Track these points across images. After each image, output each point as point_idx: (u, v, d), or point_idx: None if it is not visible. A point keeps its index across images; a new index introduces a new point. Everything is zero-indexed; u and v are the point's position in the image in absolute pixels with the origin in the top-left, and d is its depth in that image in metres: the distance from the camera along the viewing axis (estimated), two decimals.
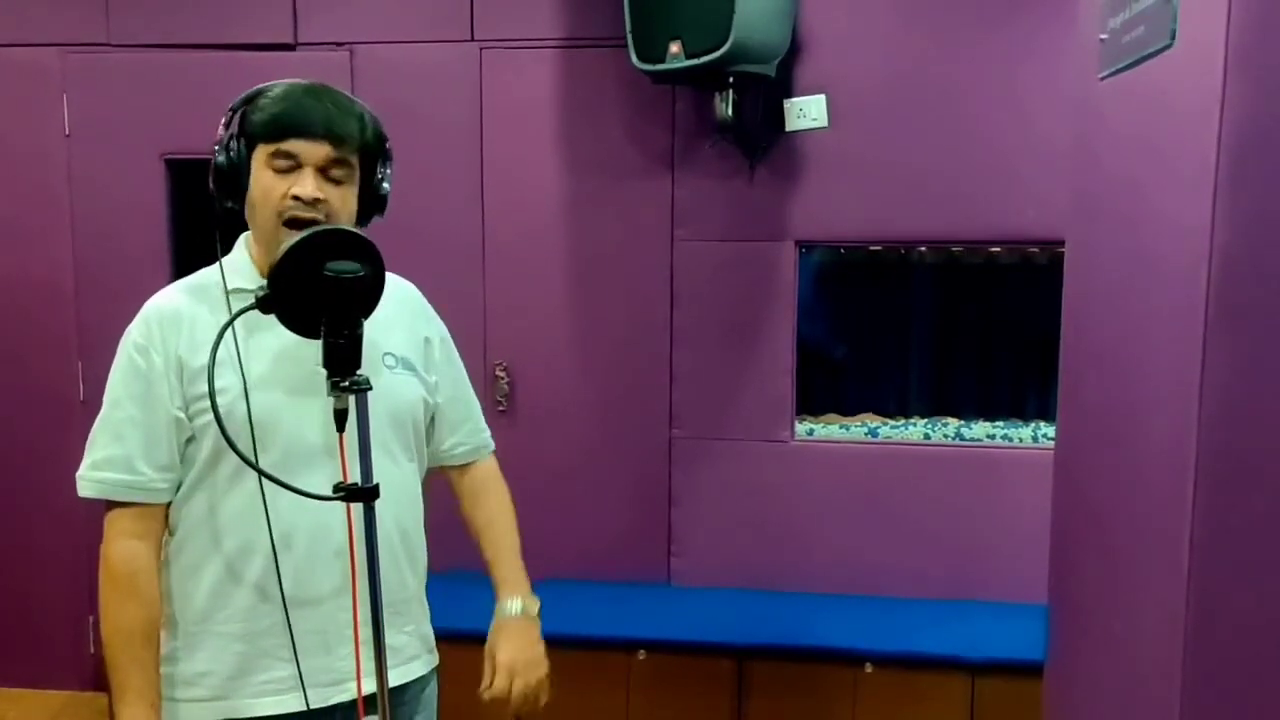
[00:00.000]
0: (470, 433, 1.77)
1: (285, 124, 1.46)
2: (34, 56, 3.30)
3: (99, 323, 3.17)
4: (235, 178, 1.48)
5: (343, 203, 1.50)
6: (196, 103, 3.24)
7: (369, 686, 1.45)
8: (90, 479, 1.51)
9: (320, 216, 1.46)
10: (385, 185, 1.57)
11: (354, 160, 1.51)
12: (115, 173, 3.29)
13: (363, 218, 1.56)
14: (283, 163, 1.47)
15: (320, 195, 1.46)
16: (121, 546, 1.50)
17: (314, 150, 1.47)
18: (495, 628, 1.69)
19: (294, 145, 1.46)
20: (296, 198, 1.46)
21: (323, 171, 1.48)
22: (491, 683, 1.63)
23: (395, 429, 1.58)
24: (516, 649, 1.65)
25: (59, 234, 3.34)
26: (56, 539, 3.33)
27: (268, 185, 1.47)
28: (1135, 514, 1.37)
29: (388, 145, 1.58)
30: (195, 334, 1.49)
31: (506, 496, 1.80)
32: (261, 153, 1.48)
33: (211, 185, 1.49)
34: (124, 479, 1.49)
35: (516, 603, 1.69)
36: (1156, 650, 1.26)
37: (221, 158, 1.47)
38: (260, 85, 1.52)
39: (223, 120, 1.50)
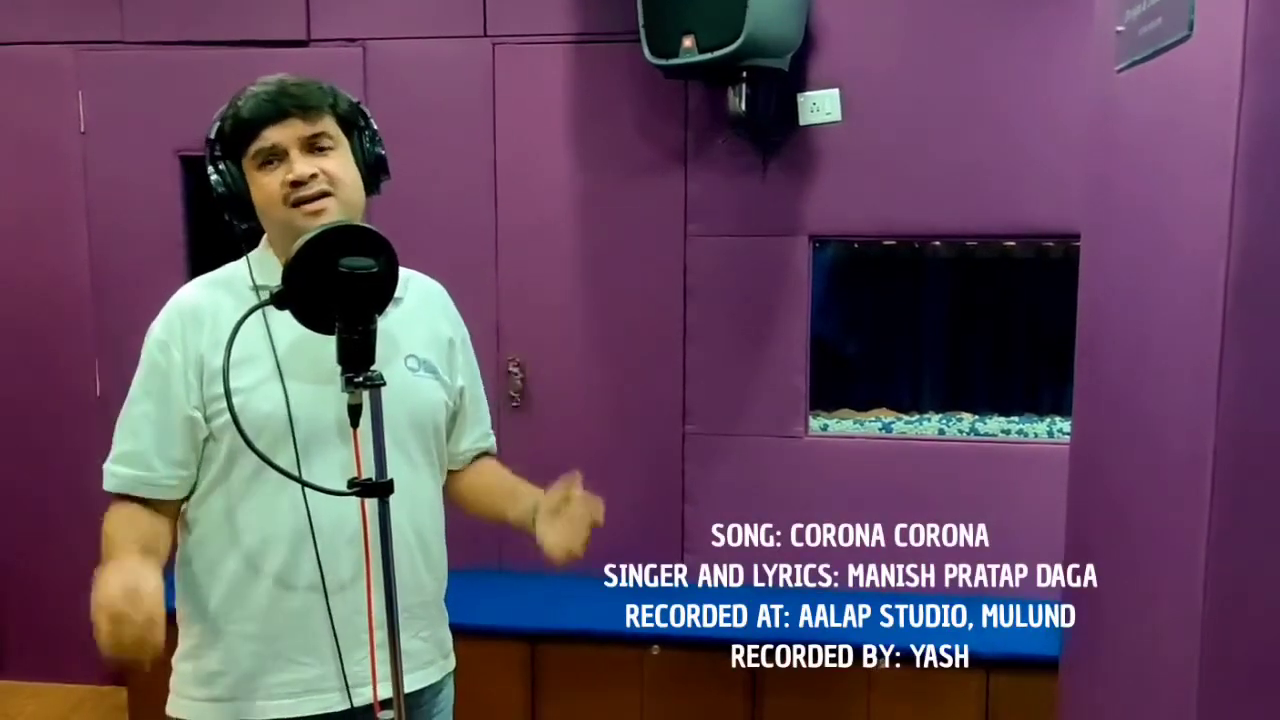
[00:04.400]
0: (481, 437, 1.77)
1: (253, 121, 1.46)
2: (49, 54, 3.32)
3: (116, 319, 3.19)
4: (239, 199, 1.48)
5: (341, 169, 1.49)
6: (211, 99, 3.21)
7: (385, 690, 1.44)
8: (111, 472, 1.52)
9: (325, 187, 1.46)
10: (379, 148, 1.56)
11: (332, 129, 1.50)
12: (131, 169, 3.31)
13: (371, 185, 1.55)
14: (267, 158, 1.46)
15: (313, 170, 1.46)
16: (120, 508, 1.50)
17: (289, 131, 1.46)
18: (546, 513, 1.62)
19: (269, 136, 1.46)
20: (295, 183, 1.45)
21: (306, 149, 1.47)
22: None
23: (414, 431, 1.57)
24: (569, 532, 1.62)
25: (75, 230, 3.36)
26: (75, 533, 3.35)
27: (264, 185, 1.47)
28: (1152, 508, 1.36)
29: (363, 108, 1.56)
30: (218, 331, 1.48)
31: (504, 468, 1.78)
32: (248, 161, 1.48)
33: (223, 211, 1.50)
34: (138, 474, 1.50)
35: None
36: (1173, 645, 1.26)
37: (221, 188, 1.48)
38: (224, 106, 1.52)
39: (207, 151, 1.50)
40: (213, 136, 1.50)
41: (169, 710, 1.57)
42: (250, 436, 1.36)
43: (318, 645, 1.49)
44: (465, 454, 1.74)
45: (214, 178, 1.49)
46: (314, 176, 1.46)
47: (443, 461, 1.67)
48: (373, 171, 1.55)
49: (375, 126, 1.57)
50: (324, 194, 1.46)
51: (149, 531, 1.47)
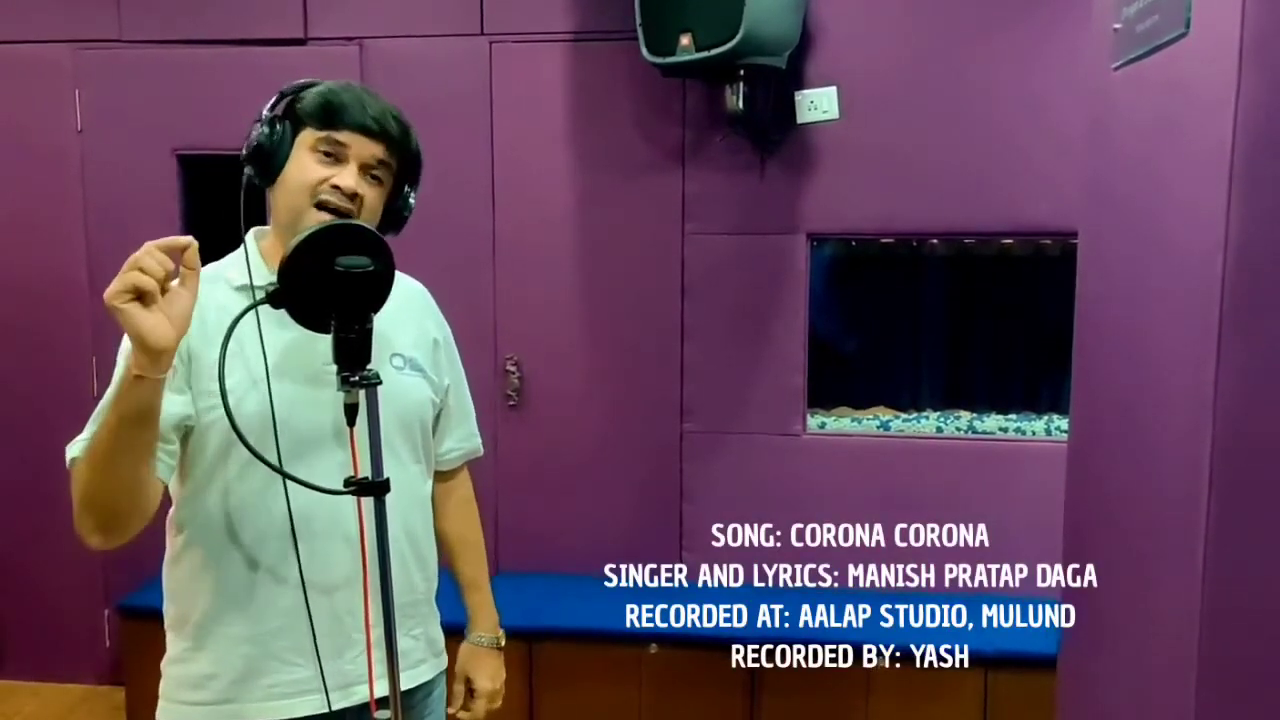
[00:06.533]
0: (464, 437, 1.76)
1: (341, 113, 1.45)
2: (46, 53, 3.31)
3: (112, 319, 3.18)
4: (273, 156, 1.46)
5: (375, 204, 1.50)
6: (208, 98, 3.25)
7: (381, 689, 1.44)
8: (74, 446, 1.42)
9: (354, 210, 1.46)
10: (410, 206, 1.57)
11: (395, 167, 1.51)
12: (128, 168, 3.31)
13: (382, 230, 1.55)
14: (329, 151, 1.46)
15: (360, 191, 1.46)
16: None
17: (366, 146, 1.46)
18: (470, 654, 1.76)
19: (348, 136, 1.45)
20: (337, 187, 1.44)
21: (364, 168, 1.47)
22: (465, 705, 1.75)
23: (402, 431, 1.56)
24: (491, 678, 1.75)
25: (72, 230, 3.36)
26: (72, 534, 3.34)
27: (308, 168, 1.45)
28: (1149, 506, 1.36)
29: (420, 168, 1.58)
30: (206, 325, 1.46)
31: (477, 513, 1.83)
32: (309, 137, 1.46)
33: (246, 158, 1.46)
34: None
35: (491, 634, 1.78)
36: (1171, 643, 1.26)
37: (265, 129, 1.45)
38: (314, 79, 1.51)
39: (269, 103, 1.48)
40: (285, 93, 1.49)
41: (159, 716, 1.55)
42: (244, 428, 1.34)
43: (310, 645, 1.48)
44: (450, 454, 1.73)
45: (263, 129, 1.46)
46: (355, 196, 1.46)
47: (431, 460, 1.67)
48: (389, 224, 1.56)
49: (417, 193, 1.58)
50: (348, 215, 1.46)
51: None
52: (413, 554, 1.60)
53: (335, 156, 1.46)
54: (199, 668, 1.51)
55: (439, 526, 1.72)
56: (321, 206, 1.45)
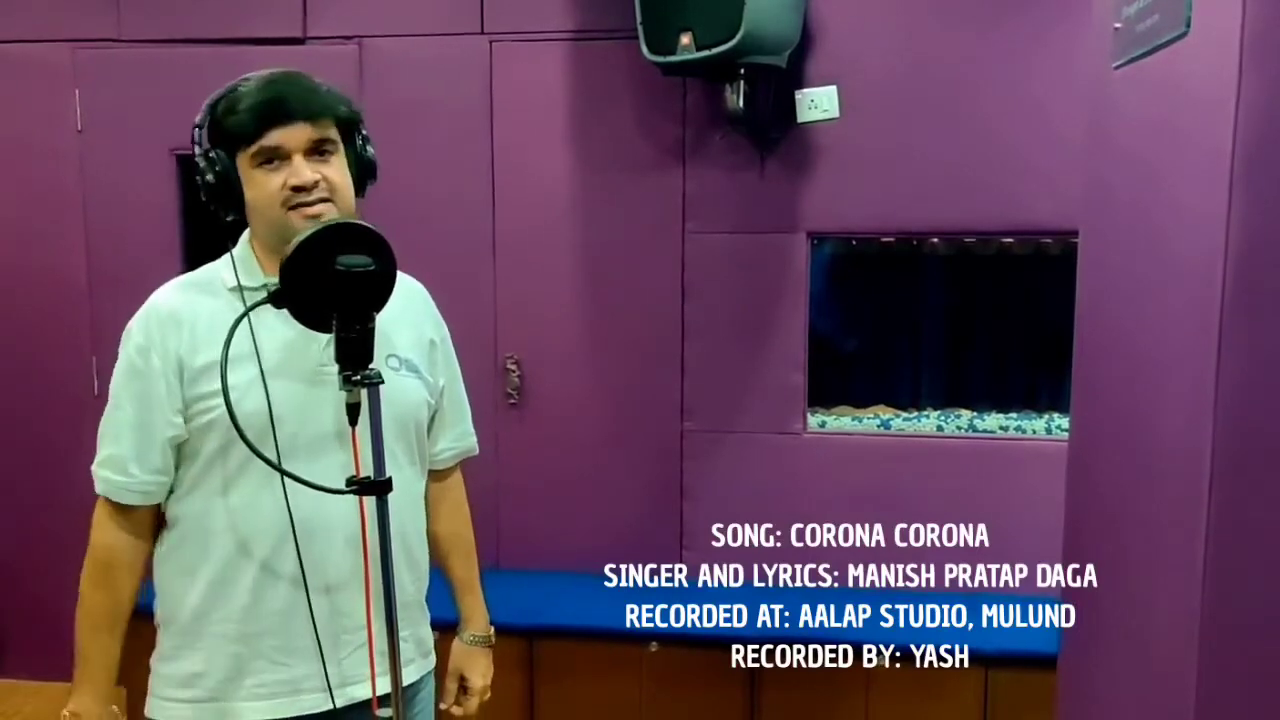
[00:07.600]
0: (459, 437, 1.76)
1: (259, 119, 1.44)
2: (45, 53, 3.31)
3: (112, 317, 3.14)
4: (228, 189, 1.46)
5: (340, 176, 1.49)
6: (207, 98, 3.26)
7: (378, 689, 1.44)
8: (97, 475, 1.52)
9: (325, 195, 1.45)
10: (370, 149, 1.55)
11: (334, 134, 1.49)
12: (127, 168, 3.30)
13: (360, 188, 1.54)
14: (269, 158, 1.45)
15: (316, 177, 1.45)
16: (104, 536, 1.53)
17: (295, 135, 1.45)
18: (464, 653, 1.79)
19: (274, 137, 1.44)
20: (297, 188, 1.44)
21: (309, 153, 1.46)
22: (458, 701, 1.78)
23: (397, 432, 1.56)
24: (483, 675, 1.79)
25: (72, 230, 3.35)
26: (72, 533, 3.33)
27: (261, 183, 1.45)
28: (1150, 506, 1.36)
29: (358, 110, 1.56)
30: (197, 334, 1.47)
31: (469, 514, 1.83)
32: (245, 157, 1.45)
33: (206, 200, 1.47)
34: (118, 479, 1.49)
35: (484, 634, 1.80)
36: (1171, 643, 1.26)
37: (209, 175, 1.45)
38: (217, 93, 1.49)
39: (193, 137, 1.48)
40: (204, 124, 1.48)
41: (147, 712, 1.55)
42: (241, 428, 1.35)
43: (301, 645, 1.49)
44: (443, 454, 1.73)
45: (202, 165, 1.46)
46: (316, 184, 1.45)
47: (425, 462, 1.67)
48: (364, 175, 1.55)
49: (367, 130, 1.56)
50: (323, 200, 1.46)
51: (116, 645, 1.53)
52: (404, 555, 1.59)
53: (276, 158, 1.45)
54: (188, 665, 1.52)
55: (432, 527, 1.72)
56: (296, 207, 1.44)
